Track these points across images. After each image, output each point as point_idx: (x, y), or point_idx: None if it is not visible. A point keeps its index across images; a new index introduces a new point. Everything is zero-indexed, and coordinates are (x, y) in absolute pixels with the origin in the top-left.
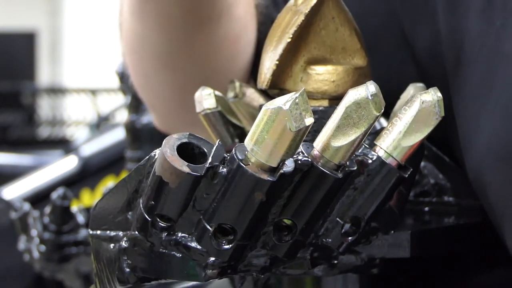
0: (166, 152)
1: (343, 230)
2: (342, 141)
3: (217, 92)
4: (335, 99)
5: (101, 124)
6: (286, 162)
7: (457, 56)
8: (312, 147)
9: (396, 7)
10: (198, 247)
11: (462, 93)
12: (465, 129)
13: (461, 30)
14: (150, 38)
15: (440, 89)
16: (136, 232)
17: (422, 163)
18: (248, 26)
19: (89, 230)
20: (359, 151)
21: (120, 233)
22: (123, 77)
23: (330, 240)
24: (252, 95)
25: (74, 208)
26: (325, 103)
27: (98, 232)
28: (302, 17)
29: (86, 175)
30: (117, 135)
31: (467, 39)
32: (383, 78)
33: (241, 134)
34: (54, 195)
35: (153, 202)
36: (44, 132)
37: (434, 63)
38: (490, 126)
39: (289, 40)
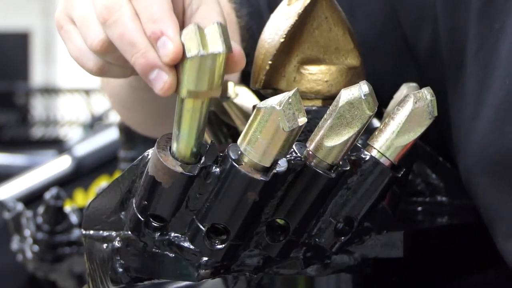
0: (159, 152)
1: (336, 230)
2: (335, 141)
3: None
4: (329, 99)
5: (94, 124)
6: (279, 162)
7: (455, 57)
8: (305, 147)
9: (397, 8)
10: (191, 247)
11: (458, 95)
12: (459, 131)
13: (459, 31)
14: (139, 115)
15: (438, 90)
16: (129, 232)
17: (415, 163)
18: None
19: (82, 230)
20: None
21: (113, 233)
22: None
23: (323, 240)
24: (246, 95)
25: (68, 208)
26: (318, 103)
27: (91, 232)
28: (295, 17)
29: (80, 175)
30: (111, 135)
31: (464, 40)
32: (384, 79)
33: (235, 134)
34: (48, 195)
35: (146, 202)
36: (37, 132)
37: (433, 64)
38: (485, 129)
39: (282, 40)
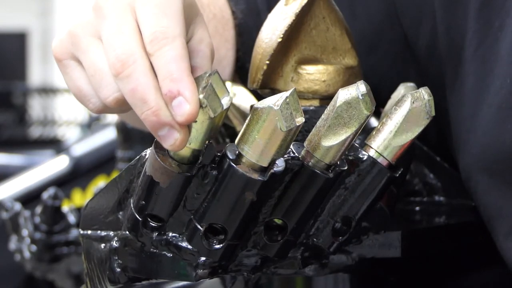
0: (157, 152)
1: (334, 229)
2: (333, 141)
3: None
4: (326, 99)
5: (92, 124)
6: (276, 162)
7: (453, 55)
8: (303, 146)
9: (397, 5)
10: (189, 247)
11: (457, 92)
12: (459, 128)
13: (457, 28)
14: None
15: (437, 87)
16: (127, 232)
17: (413, 163)
18: (226, 56)
19: (80, 230)
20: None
21: (111, 233)
22: None
23: (321, 239)
24: (243, 95)
25: (65, 208)
26: (316, 102)
27: (89, 232)
28: (293, 17)
29: (77, 175)
30: (108, 135)
31: (463, 38)
32: (384, 77)
33: (232, 134)
34: (45, 195)
35: (143, 202)
36: (35, 132)
37: (432, 62)
38: (485, 127)
39: (279, 40)
